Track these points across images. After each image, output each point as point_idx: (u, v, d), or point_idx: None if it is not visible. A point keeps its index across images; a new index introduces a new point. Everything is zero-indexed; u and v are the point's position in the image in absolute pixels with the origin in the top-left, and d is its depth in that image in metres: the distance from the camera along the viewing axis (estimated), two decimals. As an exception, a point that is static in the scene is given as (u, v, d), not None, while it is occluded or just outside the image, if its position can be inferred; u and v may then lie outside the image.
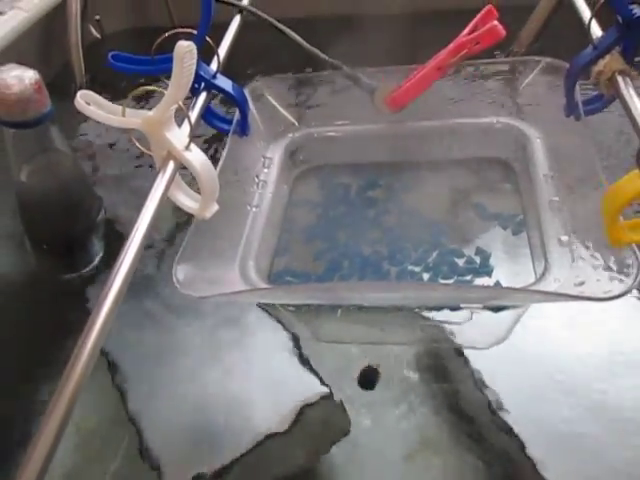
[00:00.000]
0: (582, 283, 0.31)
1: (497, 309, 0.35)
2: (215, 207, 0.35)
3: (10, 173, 0.44)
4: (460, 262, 0.38)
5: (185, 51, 0.30)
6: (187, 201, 0.35)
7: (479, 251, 0.38)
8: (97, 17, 0.49)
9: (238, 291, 0.33)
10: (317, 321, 0.37)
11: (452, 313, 0.36)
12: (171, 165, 0.32)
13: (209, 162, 0.33)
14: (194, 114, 0.37)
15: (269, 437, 0.32)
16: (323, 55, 0.45)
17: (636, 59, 0.34)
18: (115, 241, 0.47)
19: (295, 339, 0.36)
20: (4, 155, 0.43)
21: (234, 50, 0.43)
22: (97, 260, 0.46)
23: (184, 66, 0.31)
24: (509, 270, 0.37)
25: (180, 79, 0.31)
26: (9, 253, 0.48)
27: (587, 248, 0.32)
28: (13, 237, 0.48)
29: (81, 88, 0.67)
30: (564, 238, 0.34)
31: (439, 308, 0.35)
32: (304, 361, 0.35)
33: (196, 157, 0.33)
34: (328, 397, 0.33)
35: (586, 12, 0.38)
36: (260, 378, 0.35)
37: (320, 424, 0.32)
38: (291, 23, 0.47)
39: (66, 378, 0.22)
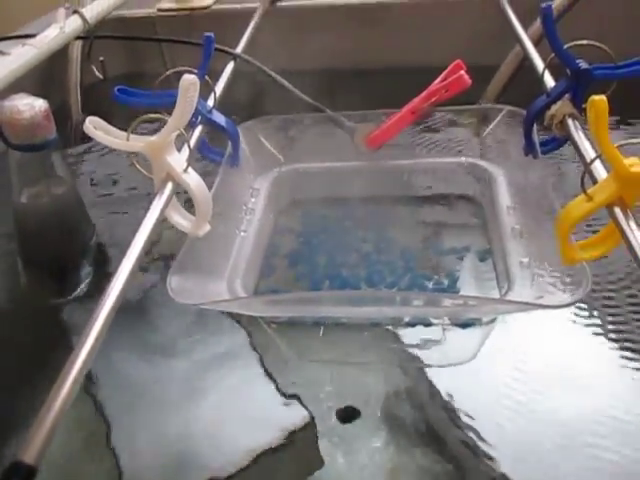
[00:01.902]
0: (540, 297, 0.34)
1: (465, 325, 0.38)
2: (207, 227, 0.38)
3: (11, 195, 0.46)
4: (429, 284, 0.41)
5: (190, 83, 0.34)
6: (181, 220, 0.38)
7: (447, 275, 0.41)
8: (101, 58, 0.53)
9: (226, 299, 0.36)
10: (299, 340, 0.40)
11: (425, 330, 0.38)
12: (169, 186, 0.36)
13: (204, 184, 0.37)
14: (191, 143, 0.40)
15: (245, 468, 0.32)
16: (308, 99, 0.49)
17: (583, 105, 0.39)
18: (104, 266, 0.49)
19: (277, 362, 0.38)
20: (5, 178, 0.46)
21: (227, 92, 0.48)
22: (86, 283, 0.48)
23: (188, 96, 0.34)
24: (475, 291, 0.40)
25: (183, 108, 0.34)
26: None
27: (545, 267, 0.36)
28: (5, 257, 0.50)
29: (77, 126, 0.71)
30: (525, 260, 0.38)
31: (413, 324, 0.38)
32: (282, 386, 0.36)
33: (193, 179, 0.36)
34: (305, 426, 0.34)
35: (540, 65, 0.44)
36: (239, 407, 0.36)
37: (297, 453, 0.33)
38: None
39: (50, 402, 0.22)
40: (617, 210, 0.30)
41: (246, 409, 0.36)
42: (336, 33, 0.69)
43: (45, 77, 0.66)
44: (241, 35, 0.59)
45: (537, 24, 0.59)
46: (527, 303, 0.32)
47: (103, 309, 0.27)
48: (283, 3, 0.72)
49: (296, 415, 0.35)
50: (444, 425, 0.33)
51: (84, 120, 0.36)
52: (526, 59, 0.53)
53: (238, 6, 0.74)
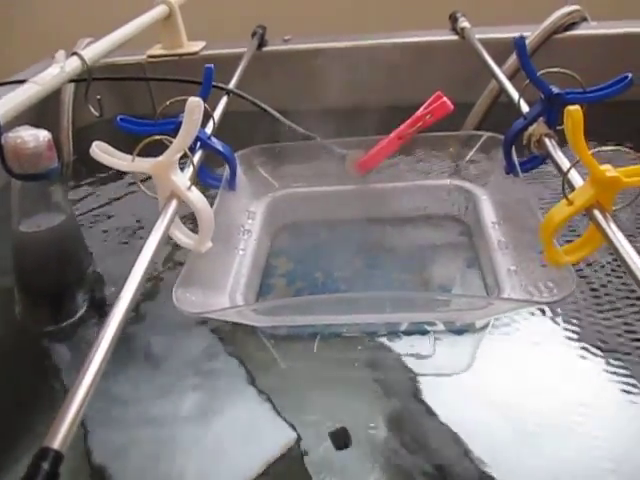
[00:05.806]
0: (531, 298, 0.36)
1: (460, 331, 0.39)
2: (209, 244, 0.39)
3: (8, 227, 0.47)
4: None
5: (195, 105, 0.36)
6: (184, 238, 0.39)
7: (439, 286, 0.43)
8: (98, 97, 0.55)
9: (228, 307, 0.37)
10: (294, 354, 0.40)
11: (418, 340, 0.40)
12: (174, 203, 0.37)
13: (207, 202, 0.38)
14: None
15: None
16: (300, 128, 0.52)
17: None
18: (99, 295, 0.50)
19: (269, 377, 0.38)
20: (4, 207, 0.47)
21: (223, 124, 0.50)
22: (82, 311, 0.48)
23: (193, 118, 0.36)
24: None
25: (189, 128, 0.36)
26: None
27: (531, 273, 0.38)
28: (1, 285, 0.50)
29: (68, 166, 0.72)
30: (512, 268, 0.40)
31: (408, 333, 0.40)
32: (274, 406, 0.36)
33: (197, 196, 0.38)
34: (293, 447, 0.34)
35: (515, 95, 0.47)
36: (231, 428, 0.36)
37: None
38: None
39: (74, 389, 0.23)
40: (596, 212, 0.33)
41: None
42: (320, 75, 0.73)
43: (37, 118, 0.68)
44: (228, 78, 0.62)
45: (508, 63, 0.64)
46: (521, 300, 0.34)
47: (119, 307, 0.28)
48: (269, 48, 0.76)
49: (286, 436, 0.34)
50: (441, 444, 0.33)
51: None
52: (502, 93, 0.57)
53: (225, 51, 0.78)
